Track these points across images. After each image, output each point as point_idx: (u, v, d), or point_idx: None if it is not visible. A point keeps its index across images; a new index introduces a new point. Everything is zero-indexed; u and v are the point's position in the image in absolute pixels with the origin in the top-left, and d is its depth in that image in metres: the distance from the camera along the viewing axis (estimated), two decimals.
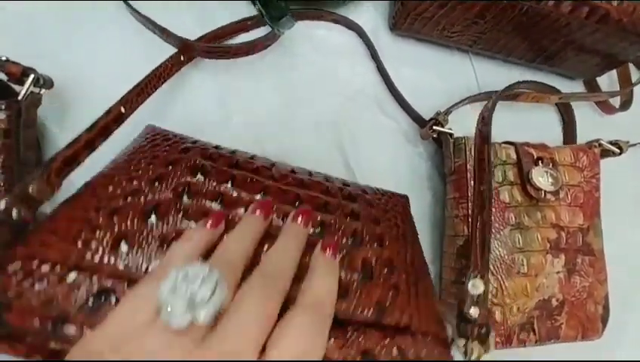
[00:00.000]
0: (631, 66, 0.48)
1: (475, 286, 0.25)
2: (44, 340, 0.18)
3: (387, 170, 0.38)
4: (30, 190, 0.19)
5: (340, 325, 0.20)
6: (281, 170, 0.26)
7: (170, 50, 0.33)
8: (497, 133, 0.41)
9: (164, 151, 0.24)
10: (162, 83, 0.31)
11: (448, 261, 0.35)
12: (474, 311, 0.24)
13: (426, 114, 0.38)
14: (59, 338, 0.17)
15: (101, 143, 0.24)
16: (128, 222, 0.20)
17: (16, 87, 0.26)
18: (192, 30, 0.34)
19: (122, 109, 0.25)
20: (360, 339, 0.20)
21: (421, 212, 0.39)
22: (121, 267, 0.19)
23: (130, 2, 0.33)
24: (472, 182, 0.33)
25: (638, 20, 0.34)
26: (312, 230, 0.23)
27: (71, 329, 0.17)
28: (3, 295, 0.17)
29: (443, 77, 0.41)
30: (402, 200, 0.30)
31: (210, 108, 0.35)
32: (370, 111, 0.39)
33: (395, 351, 0.21)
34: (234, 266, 0.18)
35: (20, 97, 0.25)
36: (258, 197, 0.23)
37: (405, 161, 0.39)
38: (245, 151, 0.27)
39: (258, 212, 0.21)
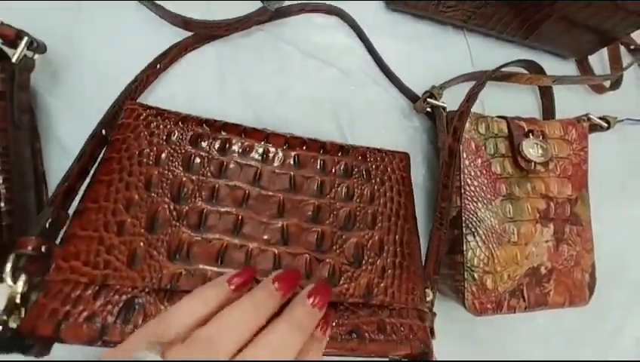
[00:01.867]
0: (621, 48, 0.49)
1: (427, 295, 0.28)
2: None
3: (382, 142, 0.38)
4: (47, 226, 0.22)
5: (331, 306, 0.22)
6: (274, 144, 0.27)
7: (163, 28, 0.33)
8: (485, 109, 0.42)
9: (150, 144, 0.25)
10: (140, 93, 0.31)
11: None
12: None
13: (421, 89, 0.38)
14: (106, 345, 0.20)
15: (92, 167, 0.25)
16: (137, 239, 0.22)
17: (10, 52, 0.26)
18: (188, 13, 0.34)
19: (103, 132, 0.27)
20: (349, 318, 0.24)
21: (416, 184, 0.39)
22: (139, 285, 0.21)
23: None
24: (464, 154, 0.34)
25: None
26: (306, 216, 0.25)
27: (114, 337, 0.20)
28: (54, 318, 0.20)
29: (438, 53, 0.42)
30: (402, 161, 0.31)
31: (207, 82, 0.35)
32: (365, 85, 0.39)
33: (378, 324, 0.24)
34: (217, 352, 0.17)
35: (13, 60, 0.24)
36: (255, 190, 0.25)
37: (400, 134, 0.39)
38: (235, 123, 0.28)
39: (277, 285, 0.20)
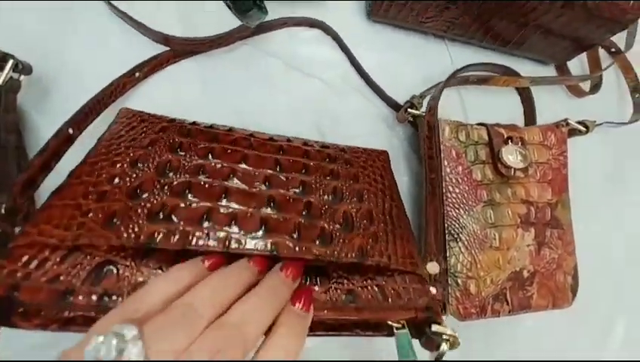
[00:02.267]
0: (601, 50, 0.50)
1: (433, 267, 0.27)
2: (58, 311, 0.20)
3: None
4: (3, 211, 0.22)
5: (323, 273, 0.23)
6: (259, 138, 0.27)
7: (147, 43, 0.33)
8: (468, 116, 0.43)
9: (142, 133, 0.25)
10: (115, 99, 0.31)
11: (425, 236, 0.37)
12: (433, 290, 0.26)
13: (405, 98, 0.39)
14: (70, 307, 0.19)
15: (55, 164, 0.25)
16: (116, 203, 0.21)
17: None
18: (171, 27, 0.35)
19: (70, 131, 0.27)
20: (344, 282, 0.23)
21: (401, 191, 0.40)
22: (114, 242, 0.20)
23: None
24: (445, 161, 0.35)
25: (603, 4, 0.36)
26: (293, 191, 0.24)
27: (79, 299, 0.19)
28: (12, 278, 0.19)
29: (421, 63, 0.43)
30: (381, 156, 0.31)
31: (189, 93, 0.35)
32: (348, 96, 0.40)
33: (375, 288, 0.23)
34: (196, 317, 0.17)
35: None
36: (242, 166, 0.24)
37: (384, 144, 0.40)
38: (223, 125, 0.28)
39: (252, 263, 0.21)
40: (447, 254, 0.34)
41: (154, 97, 0.34)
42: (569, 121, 0.40)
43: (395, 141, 0.40)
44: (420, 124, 0.37)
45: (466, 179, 0.35)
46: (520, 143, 0.36)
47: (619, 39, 0.49)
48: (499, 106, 0.44)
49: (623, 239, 0.48)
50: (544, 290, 0.36)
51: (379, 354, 0.38)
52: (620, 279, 0.47)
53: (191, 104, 0.35)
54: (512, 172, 0.35)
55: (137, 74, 0.32)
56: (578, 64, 0.50)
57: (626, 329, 0.47)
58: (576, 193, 0.40)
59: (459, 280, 0.34)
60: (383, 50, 0.42)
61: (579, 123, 0.40)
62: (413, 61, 0.42)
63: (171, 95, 0.35)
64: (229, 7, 0.29)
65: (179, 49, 0.34)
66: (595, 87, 0.47)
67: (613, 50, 0.50)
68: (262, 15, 0.33)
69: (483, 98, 0.44)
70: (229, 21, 0.34)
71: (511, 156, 0.35)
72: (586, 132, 0.40)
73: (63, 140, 0.26)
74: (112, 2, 0.33)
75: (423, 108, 0.37)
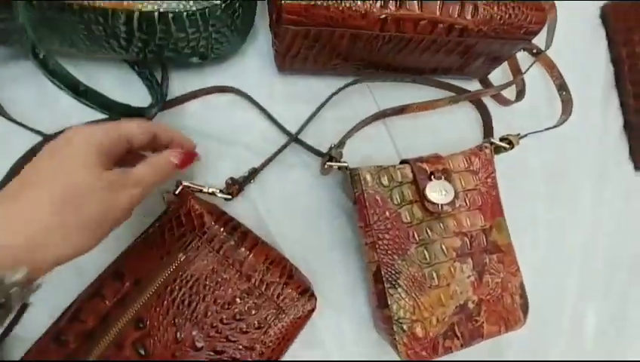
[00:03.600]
0: (522, 55, 0.51)
1: None
2: None
3: (301, 206, 0.40)
4: None
5: None
6: None
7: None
8: (397, 146, 0.43)
9: None
10: None
11: (370, 287, 0.37)
12: None
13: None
14: None
15: None
16: None
17: None
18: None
19: None
20: None
21: (342, 240, 0.40)
22: None
23: None
24: (371, 210, 0.35)
25: (499, 26, 0.36)
26: None
27: None
28: None
29: (342, 105, 0.43)
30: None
31: None
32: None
33: None
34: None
35: None
36: None
37: (318, 194, 0.40)
38: None
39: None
40: (389, 301, 0.34)
41: None
42: (492, 141, 0.40)
43: (328, 189, 0.40)
44: (343, 173, 0.37)
45: (395, 223, 0.35)
46: (443, 177, 0.36)
47: (538, 39, 0.49)
48: (426, 130, 0.45)
49: (573, 249, 0.48)
50: (494, 317, 0.36)
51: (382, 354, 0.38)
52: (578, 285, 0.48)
53: None
54: (440, 208, 0.35)
55: None
56: (501, 72, 0.50)
57: (596, 327, 0.48)
58: (518, 206, 0.40)
59: (404, 326, 0.34)
60: (301, 100, 0.41)
61: (502, 139, 0.40)
62: (333, 105, 0.42)
63: None
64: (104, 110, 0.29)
65: None
66: (520, 94, 0.48)
67: (534, 51, 0.51)
68: (158, 107, 0.33)
69: (410, 125, 0.44)
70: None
71: (435, 193, 0.35)
72: (512, 148, 0.40)
73: None
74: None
75: (352, 151, 0.37)
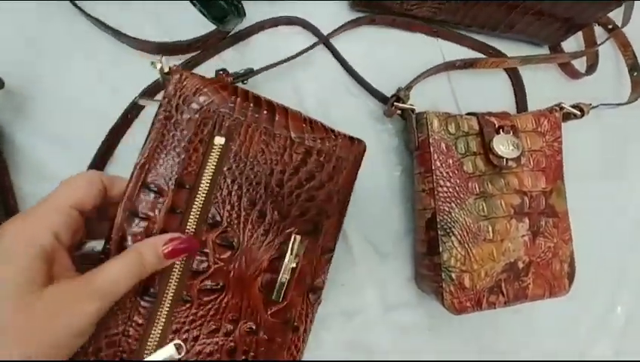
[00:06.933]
0: (598, 29, 0.48)
1: None
2: None
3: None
4: None
5: None
6: None
7: (123, 53, 0.33)
8: (460, 104, 0.42)
9: None
10: None
11: (419, 234, 0.36)
12: None
13: (394, 89, 0.38)
14: None
15: None
16: None
17: None
18: (147, 32, 0.34)
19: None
20: None
21: (392, 187, 0.40)
22: None
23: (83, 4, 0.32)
24: (435, 155, 0.34)
25: None
26: None
27: None
28: None
29: (408, 51, 0.41)
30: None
31: None
32: (337, 93, 0.39)
33: None
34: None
35: None
36: None
37: (374, 139, 0.39)
38: None
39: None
40: (441, 249, 0.34)
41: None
42: (563, 105, 0.38)
43: (385, 136, 0.40)
44: (407, 117, 0.36)
45: (456, 172, 0.34)
46: (512, 132, 0.35)
47: (616, 15, 0.47)
48: (490, 92, 0.43)
49: (625, 224, 0.47)
50: (540, 280, 0.36)
51: (379, 354, 0.38)
52: (622, 264, 0.47)
53: None
54: (505, 162, 0.34)
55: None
56: (574, 44, 0.48)
57: (628, 313, 0.47)
58: (574, 179, 0.39)
59: (452, 275, 0.34)
60: (369, 41, 0.40)
61: (573, 106, 0.39)
62: (400, 50, 0.41)
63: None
64: (203, 14, 0.28)
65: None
66: (592, 67, 0.46)
67: (610, 26, 0.48)
68: (238, 20, 0.32)
69: (474, 85, 0.42)
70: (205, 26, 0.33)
71: (502, 146, 0.34)
72: (582, 116, 0.39)
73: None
74: (93, 16, 0.32)
75: (411, 101, 0.36)
